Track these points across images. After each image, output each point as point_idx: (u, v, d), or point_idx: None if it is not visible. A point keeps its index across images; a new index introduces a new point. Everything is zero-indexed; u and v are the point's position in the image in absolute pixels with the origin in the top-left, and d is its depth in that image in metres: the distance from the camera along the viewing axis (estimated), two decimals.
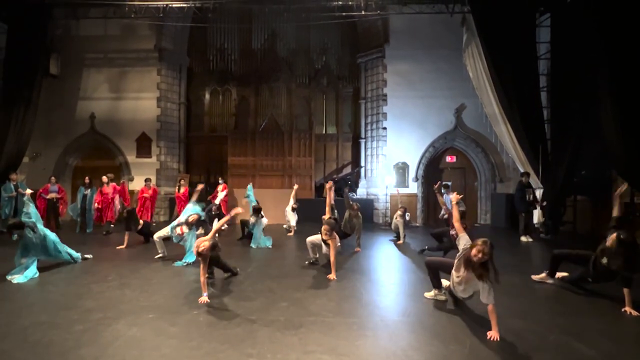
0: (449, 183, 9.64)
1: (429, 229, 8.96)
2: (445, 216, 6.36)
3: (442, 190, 9.40)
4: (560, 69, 8.49)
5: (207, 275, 4.23)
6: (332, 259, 5.08)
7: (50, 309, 3.77)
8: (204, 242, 4.12)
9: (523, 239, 7.85)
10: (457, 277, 3.58)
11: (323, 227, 5.18)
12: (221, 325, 3.41)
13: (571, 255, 4.61)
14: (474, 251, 3.27)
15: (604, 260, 4.00)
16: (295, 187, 9.08)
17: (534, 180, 8.53)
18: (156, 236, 6.09)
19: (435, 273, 4.08)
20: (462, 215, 5.76)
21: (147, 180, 9.89)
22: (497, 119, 8.92)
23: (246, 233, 7.56)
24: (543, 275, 4.79)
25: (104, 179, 9.30)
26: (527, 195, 8.18)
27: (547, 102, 9.19)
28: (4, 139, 9.19)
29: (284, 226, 9.05)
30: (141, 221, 7.54)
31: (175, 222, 5.97)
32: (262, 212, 7.38)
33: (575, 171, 8.20)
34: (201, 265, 4.13)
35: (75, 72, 11.20)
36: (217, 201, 9.32)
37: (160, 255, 6.02)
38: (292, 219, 8.67)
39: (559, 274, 4.71)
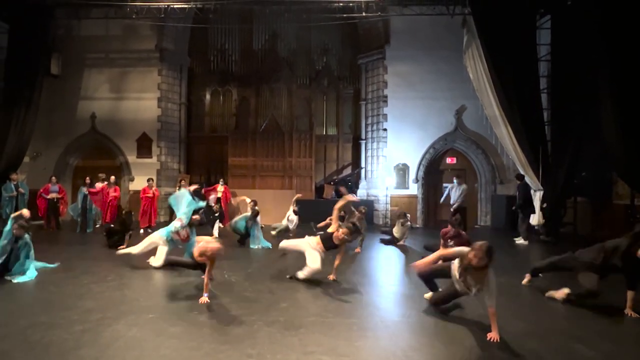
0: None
1: (429, 228, 8.97)
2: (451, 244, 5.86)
3: (455, 181, 9.32)
4: (560, 71, 8.50)
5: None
6: (337, 261, 4.91)
7: (50, 309, 3.76)
8: (211, 245, 3.96)
9: (519, 241, 7.91)
10: (460, 280, 3.53)
11: (342, 231, 4.72)
12: (221, 325, 3.41)
13: (551, 264, 4.50)
14: (470, 255, 3.30)
15: (618, 262, 3.84)
16: (297, 196, 8.79)
17: (534, 182, 8.53)
18: (156, 264, 5.39)
19: (429, 280, 4.00)
20: (460, 224, 5.72)
21: (150, 180, 9.88)
22: (498, 120, 8.91)
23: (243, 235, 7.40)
24: (528, 276, 4.74)
25: (112, 179, 9.33)
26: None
27: (547, 104, 9.20)
28: (4, 138, 9.19)
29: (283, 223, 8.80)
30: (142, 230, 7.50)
31: (171, 228, 5.42)
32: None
33: (575, 173, 8.21)
34: (207, 267, 4.05)
35: (77, 72, 11.21)
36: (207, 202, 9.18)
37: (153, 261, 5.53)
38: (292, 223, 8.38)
39: (563, 292, 4.20)
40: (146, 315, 3.63)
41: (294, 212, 8.34)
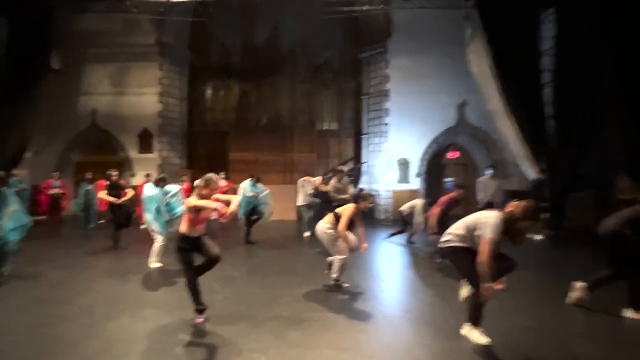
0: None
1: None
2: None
3: (486, 173, 8.61)
4: (564, 65, 8.40)
5: None
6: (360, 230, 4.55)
7: (56, 304, 3.80)
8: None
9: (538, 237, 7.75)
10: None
11: (369, 200, 4.34)
12: (224, 320, 3.44)
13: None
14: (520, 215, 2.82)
15: None
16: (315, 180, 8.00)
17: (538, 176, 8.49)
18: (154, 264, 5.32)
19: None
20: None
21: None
22: (501, 115, 8.86)
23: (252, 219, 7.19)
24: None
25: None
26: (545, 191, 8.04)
27: (551, 98, 9.12)
28: (6, 134, 9.19)
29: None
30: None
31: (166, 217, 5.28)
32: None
33: (579, 167, 8.16)
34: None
35: (77, 67, 11.15)
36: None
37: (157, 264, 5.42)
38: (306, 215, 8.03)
39: (579, 287, 3.83)
40: (150, 310, 3.66)
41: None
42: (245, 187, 7.16)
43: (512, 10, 8.28)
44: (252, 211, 7.14)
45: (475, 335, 3.00)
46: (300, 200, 8.03)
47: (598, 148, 7.87)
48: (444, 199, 5.54)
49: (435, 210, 5.41)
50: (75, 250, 6.38)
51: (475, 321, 3.02)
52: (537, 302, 4.08)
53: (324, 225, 4.42)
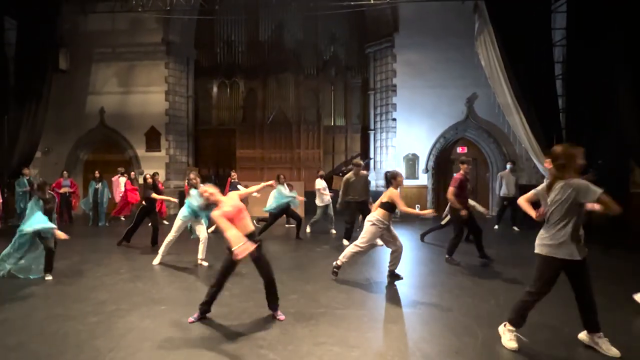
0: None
1: (439, 219, 8.84)
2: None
3: (508, 167, 8.65)
4: (576, 56, 8.22)
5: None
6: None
7: (65, 302, 3.83)
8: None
9: None
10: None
11: (399, 178, 4.52)
12: (232, 317, 3.43)
13: None
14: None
15: None
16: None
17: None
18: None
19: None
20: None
21: (155, 174, 9.94)
22: (510, 108, 8.70)
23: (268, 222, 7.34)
24: None
25: (132, 174, 9.62)
26: None
27: (562, 91, 8.94)
28: (16, 134, 9.33)
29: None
30: None
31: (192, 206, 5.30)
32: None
33: (591, 161, 7.98)
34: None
35: (85, 67, 11.27)
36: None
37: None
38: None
39: None
40: (158, 307, 3.67)
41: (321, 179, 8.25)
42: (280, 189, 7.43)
43: (522, 1, 8.11)
44: (284, 212, 7.37)
45: (507, 338, 2.90)
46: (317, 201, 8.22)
47: (611, 141, 7.70)
48: (456, 176, 5.57)
49: (451, 189, 5.37)
50: (85, 248, 6.45)
51: (517, 322, 2.92)
52: (549, 298, 3.98)
53: (375, 218, 4.41)
